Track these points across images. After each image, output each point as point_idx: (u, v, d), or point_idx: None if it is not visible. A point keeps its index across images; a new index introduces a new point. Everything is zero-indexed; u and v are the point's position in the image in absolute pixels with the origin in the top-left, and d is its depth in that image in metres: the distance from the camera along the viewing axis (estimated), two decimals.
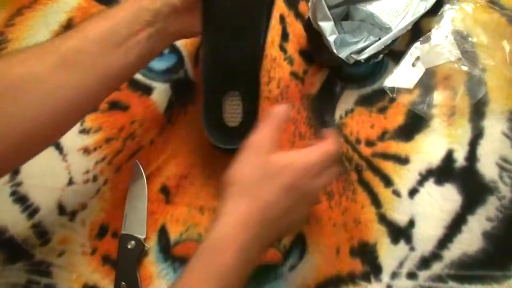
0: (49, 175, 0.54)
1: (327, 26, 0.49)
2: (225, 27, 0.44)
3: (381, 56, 0.51)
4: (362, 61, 0.49)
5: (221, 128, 0.47)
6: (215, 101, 0.47)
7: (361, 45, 0.50)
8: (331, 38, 0.49)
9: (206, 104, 0.47)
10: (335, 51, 0.49)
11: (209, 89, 0.47)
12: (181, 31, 0.44)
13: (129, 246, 0.49)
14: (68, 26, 0.62)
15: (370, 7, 0.55)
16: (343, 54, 0.49)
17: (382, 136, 0.52)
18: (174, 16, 0.41)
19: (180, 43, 0.58)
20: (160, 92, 0.57)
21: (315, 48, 0.54)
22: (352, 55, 0.49)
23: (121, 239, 0.50)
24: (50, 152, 0.55)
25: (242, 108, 0.47)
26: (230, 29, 0.44)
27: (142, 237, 0.49)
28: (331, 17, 0.49)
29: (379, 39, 0.50)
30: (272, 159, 0.37)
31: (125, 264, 0.48)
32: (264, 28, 0.45)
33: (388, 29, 0.52)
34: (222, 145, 0.46)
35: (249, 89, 0.47)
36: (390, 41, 0.49)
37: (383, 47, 0.49)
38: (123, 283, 0.47)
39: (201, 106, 0.47)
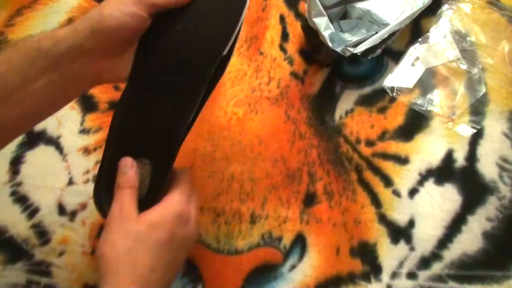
0: (49, 175, 0.54)
1: (321, 22, 0.49)
2: (155, 81, 0.38)
3: (379, 51, 0.51)
4: (359, 54, 0.49)
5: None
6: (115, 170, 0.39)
7: (357, 38, 0.50)
8: (325, 33, 0.49)
9: (106, 168, 0.39)
10: (330, 45, 0.49)
11: (116, 150, 0.39)
12: (98, 77, 0.38)
13: None
14: None
15: (366, 5, 0.55)
16: (339, 48, 0.49)
17: (382, 136, 0.52)
18: (86, 60, 0.35)
19: None
20: None
21: (313, 47, 0.54)
22: (348, 48, 0.49)
23: None
24: (50, 152, 0.55)
25: (149, 181, 0.39)
26: (160, 86, 0.37)
27: None
28: (325, 13, 0.50)
29: (376, 33, 0.50)
30: (141, 220, 0.35)
31: None
32: (202, 95, 0.38)
33: (386, 26, 0.52)
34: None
35: (163, 161, 0.38)
36: (387, 35, 0.49)
37: (380, 41, 0.49)
38: None
39: (99, 168, 0.40)
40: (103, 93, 0.57)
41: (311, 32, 0.51)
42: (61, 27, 0.61)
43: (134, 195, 0.37)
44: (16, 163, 0.55)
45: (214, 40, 0.37)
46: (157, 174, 0.38)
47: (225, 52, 0.38)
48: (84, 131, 0.55)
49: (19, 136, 0.36)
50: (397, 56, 0.55)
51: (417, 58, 0.54)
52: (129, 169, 0.37)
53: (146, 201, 0.38)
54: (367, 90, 0.54)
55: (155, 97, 0.38)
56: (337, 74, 0.55)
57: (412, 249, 0.47)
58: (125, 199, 0.36)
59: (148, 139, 0.39)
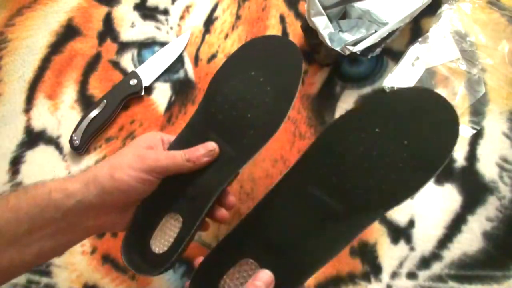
0: (49, 175, 0.54)
1: (320, 21, 0.49)
2: (305, 197, 0.35)
3: (378, 50, 0.51)
4: (358, 53, 0.49)
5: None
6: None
7: (356, 36, 0.50)
8: (324, 32, 0.49)
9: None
10: (329, 43, 0.49)
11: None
12: (102, 228, 0.38)
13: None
14: (68, 26, 0.62)
15: (366, 5, 0.55)
16: (338, 47, 0.49)
17: None
18: (93, 214, 0.36)
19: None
20: (160, 92, 0.57)
21: (313, 46, 0.54)
22: (348, 47, 0.49)
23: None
24: (50, 152, 0.55)
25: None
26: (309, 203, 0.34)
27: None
28: (324, 13, 0.50)
29: (375, 32, 0.50)
30: None
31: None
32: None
33: (385, 25, 0.52)
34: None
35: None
36: (387, 33, 0.49)
37: (379, 39, 0.49)
38: None
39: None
40: (103, 93, 0.57)
41: (310, 32, 0.51)
42: (61, 27, 0.61)
43: None
44: (16, 163, 0.55)
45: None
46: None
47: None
48: None
49: (16, 277, 0.36)
50: (397, 56, 0.55)
51: (417, 58, 0.54)
52: (263, 286, 0.34)
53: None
54: (367, 90, 0.54)
55: (306, 210, 0.35)
56: (337, 74, 0.55)
57: (412, 249, 0.47)
58: None
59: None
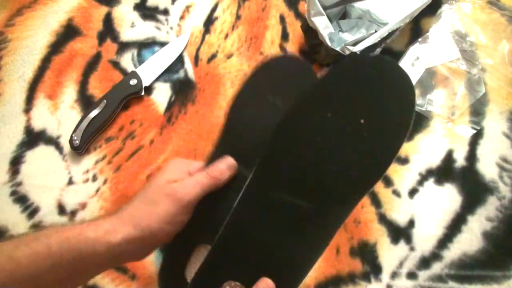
0: (49, 175, 0.54)
1: (320, 21, 0.49)
2: (277, 198, 0.31)
3: (378, 49, 0.51)
4: (358, 53, 0.49)
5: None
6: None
7: (356, 36, 0.50)
8: (324, 32, 0.49)
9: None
10: (329, 43, 0.49)
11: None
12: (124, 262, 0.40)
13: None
14: (68, 26, 0.62)
15: (366, 5, 0.55)
16: (338, 47, 0.49)
17: None
18: (130, 258, 0.37)
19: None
20: (160, 92, 0.57)
21: (313, 46, 0.54)
22: (347, 47, 0.49)
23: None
24: (50, 152, 0.55)
25: None
26: (284, 205, 0.30)
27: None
28: (324, 13, 0.50)
29: (375, 32, 0.50)
30: None
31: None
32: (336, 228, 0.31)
33: (386, 25, 0.52)
34: None
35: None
36: (387, 33, 0.49)
37: (379, 39, 0.49)
38: None
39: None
40: (103, 93, 0.57)
41: (310, 32, 0.51)
42: (61, 27, 0.61)
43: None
44: (16, 163, 0.55)
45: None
46: None
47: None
48: None
49: None
50: (397, 56, 0.55)
51: (417, 58, 0.54)
52: None
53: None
54: None
55: (276, 218, 0.30)
56: None
57: (412, 249, 0.47)
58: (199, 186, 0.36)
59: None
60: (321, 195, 0.29)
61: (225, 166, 0.38)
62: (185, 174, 0.38)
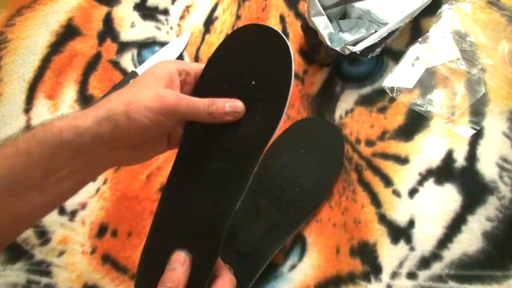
0: None
1: (320, 21, 0.49)
2: (204, 168, 0.36)
3: (378, 49, 0.51)
4: (358, 52, 0.49)
5: None
6: (158, 259, 0.36)
7: (356, 36, 0.51)
8: (324, 32, 0.49)
9: (146, 260, 0.37)
10: (329, 43, 0.49)
11: (155, 240, 0.37)
12: (116, 162, 0.38)
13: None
14: (68, 26, 0.62)
15: (366, 5, 0.55)
16: (338, 47, 0.49)
17: (382, 136, 0.52)
18: (107, 149, 0.34)
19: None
20: None
21: (313, 46, 0.54)
22: (347, 46, 0.49)
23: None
24: None
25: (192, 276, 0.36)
26: (208, 174, 0.36)
27: None
28: (324, 13, 0.50)
29: (375, 32, 0.50)
30: None
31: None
32: (249, 179, 0.35)
33: (386, 25, 0.52)
34: None
35: (208, 254, 0.35)
36: (387, 33, 0.49)
37: (379, 39, 0.49)
38: None
39: (139, 259, 0.37)
40: (103, 93, 0.57)
41: (310, 32, 0.51)
42: (61, 27, 0.61)
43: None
44: None
45: (266, 132, 0.36)
46: (201, 270, 0.35)
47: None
48: None
49: (35, 223, 0.36)
50: (397, 56, 0.55)
51: (417, 58, 0.54)
52: (179, 266, 0.34)
53: None
54: (367, 90, 0.54)
55: (203, 185, 0.36)
56: (337, 74, 0.55)
57: (412, 249, 0.47)
58: None
59: (192, 229, 0.36)
60: (233, 157, 0.36)
61: (230, 109, 0.36)
62: (177, 77, 0.37)
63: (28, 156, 0.32)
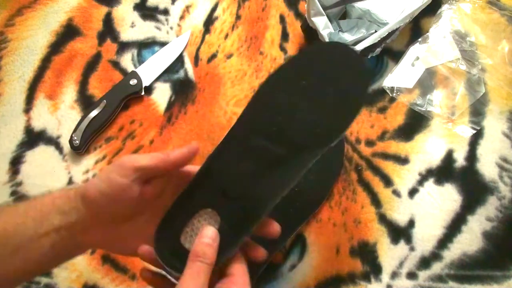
0: (49, 175, 0.54)
1: (320, 21, 0.49)
2: (256, 144, 0.37)
3: (378, 49, 0.51)
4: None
5: (174, 248, 0.36)
6: (183, 215, 0.37)
7: (356, 36, 0.51)
8: (324, 32, 0.49)
9: (169, 215, 0.37)
10: None
11: (181, 198, 0.37)
12: (98, 245, 0.38)
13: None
14: (68, 26, 0.62)
15: (366, 5, 0.55)
16: None
17: (382, 136, 0.52)
18: (81, 226, 0.34)
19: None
20: (160, 92, 0.57)
21: None
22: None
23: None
24: (50, 152, 0.55)
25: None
26: (261, 151, 0.37)
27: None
28: (324, 13, 0.50)
29: (375, 32, 0.50)
30: None
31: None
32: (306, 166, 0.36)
33: (386, 25, 0.52)
34: (173, 270, 0.35)
35: (237, 222, 0.36)
36: (387, 33, 0.49)
37: (379, 39, 0.49)
38: None
39: (164, 214, 0.37)
40: (103, 93, 0.57)
41: (310, 32, 0.51)
42: (61, 27, 0.61)
43: (210, 273, 0.33)
44: (16, 163, 0.55)
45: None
46: (227, 237, 0.35)
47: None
48: None
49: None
50: (397, 56, 0.55)
51: (417, 58, 0.54)
52: (212, 242, 0.34)
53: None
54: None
55: (252, 157, 0.36)
56: None
57: (412, 249, 0.47)
58: (202, 278, 0.33)
59: (226, 196, 0.36)
60: (291, 145, 0.36)
61: (184, 150, 0.36)
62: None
63: (24, 216, 0.34)
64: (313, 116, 0.36)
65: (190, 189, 0.37)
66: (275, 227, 0.37)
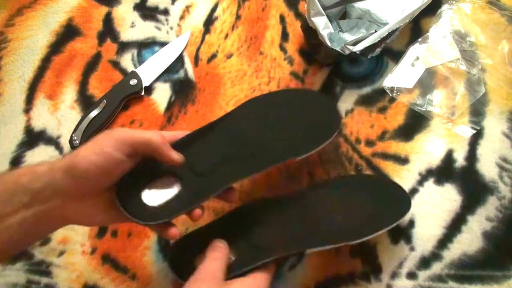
0: None
1: (320, 21, 0.49)
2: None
3: (378, 49, 0.51)
4: (358, 52, 0.49)
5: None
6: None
7: (356, 36, 0.51)
8: (324, 32, 0.49)
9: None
10: (329, 44, 0.49)
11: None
12: (70, 220, 0.37)
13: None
14: (68, 26, 0.62)
15: (366, 5, 0.55)
16: (338, 47, 0.49)
17: (382, 136, 0.52)
18: (59, 200, 0.34)
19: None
20: (160, 92, 0.57)
21: (312, 46, 0.54)
22: (347, 46, 0.49)
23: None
24: (50, 152, 0.55)
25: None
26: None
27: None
28: (324, 13, 0.50)
29: (375, 32, 0.50)
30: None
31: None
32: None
33: (386, 25, 0.52)
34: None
35: (245, 259, 0.41)
36: (386, 33, 0.49)
37: (379, 39, 0.49)
38: None
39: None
40: (103, 93, 0.57)
41: (310, 32, 0.51)
42: (61, 27, 0.61)
43: (227, 261, 0.38)
44: (16, 163, 0.55)
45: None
46: (232, 267, 0.40)
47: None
48: None
49: None
50: (397, 56, 0.55)
51: (417, 58, 0.54)
52: (223, 256, 0.38)
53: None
54: (367, 90, 0.54)
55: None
56: (337, 74, 0.55)
57: (412, 249, 0.47)
58: (221, 261, 0.37)
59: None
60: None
61: (179, 132, 0.39)
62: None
63: None
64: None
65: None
66: (234, 195, 0.41)
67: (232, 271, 0.39)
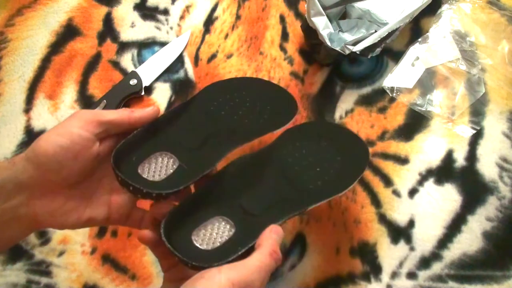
0: None
1: (320, 21, 0.50)
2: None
3: (378, 49, 0.51)
4: (358, 52, 0.49)
5: (185, 240, 0.38)
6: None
7: (356, 36, 0.51)
8: (324, 32, 0.49)
9: (183, 208, 0.39)
10: (329, 43, 0.49)
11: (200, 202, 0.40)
12: (37, 220, 0.32)
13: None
14: (68, 26, 0.62)
15: (366, 5, 0.55)
16: (338, 47, 0.49)
17: (382, 136, 0.52)
18: (23, 197, 0.30)
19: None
20: (160, 92, 0.57)
21: (312, 46, 0.54)
22: (347, 46, 0.49)
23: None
24: None
25: (228, 239, 0.39)
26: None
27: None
28: (324, 13, 0.50)
29: (375, 32, 0.50)
30: None
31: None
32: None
33: (386, 25, 0.52)
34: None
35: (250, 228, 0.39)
36: (387, 33, 0.49)
37: (379, 39, 0.49)
38: None
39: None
40: (103, 93, 0.57)
41: (310, 32, 0.51)
42: (61, 27, 0.61)
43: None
44: None
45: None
46: (239, 239, 0.39)
47: None
48: None
49: None
50: (397, 56, 0.55)
51: (417, 58, 0.54)
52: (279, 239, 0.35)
53: (216, 252, 0.38)
54: (367, 90, 0.54)
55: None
56: (337, 74, 0.55)
57: (412, 249, 0.47)
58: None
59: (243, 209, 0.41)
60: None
61: (148, 109, 0.37)
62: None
63: None
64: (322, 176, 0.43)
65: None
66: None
67: (234, 246, 0.37)
